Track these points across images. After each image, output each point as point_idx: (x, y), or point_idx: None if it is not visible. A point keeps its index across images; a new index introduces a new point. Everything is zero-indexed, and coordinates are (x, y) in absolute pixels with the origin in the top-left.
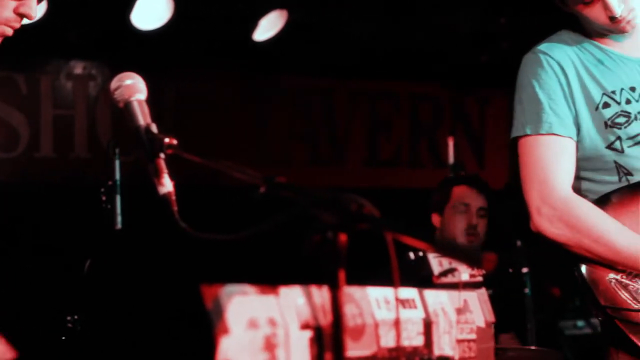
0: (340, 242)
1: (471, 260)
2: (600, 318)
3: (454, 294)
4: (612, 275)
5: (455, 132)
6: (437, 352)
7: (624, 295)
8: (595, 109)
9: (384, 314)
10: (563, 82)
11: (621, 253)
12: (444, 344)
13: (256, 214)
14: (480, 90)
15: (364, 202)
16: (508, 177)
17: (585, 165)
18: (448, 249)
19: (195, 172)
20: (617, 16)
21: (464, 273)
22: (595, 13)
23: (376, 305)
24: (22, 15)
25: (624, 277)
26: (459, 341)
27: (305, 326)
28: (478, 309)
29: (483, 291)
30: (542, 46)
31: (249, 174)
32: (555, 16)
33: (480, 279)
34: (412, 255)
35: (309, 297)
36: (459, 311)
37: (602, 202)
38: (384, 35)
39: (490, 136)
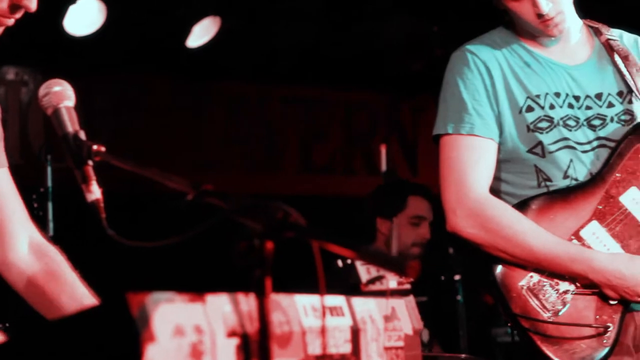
0: (266, 249)
1: (395, 268)
2: (510, 325)
3: (382, 301)
4: (524, 282)
5: (389, 139)
6: (364, 359)
7: (534, 303)
8: (518, 112)
9: (312, 322)
10: (488, 82)
11: (536, 254)
12: (371, 351)
13: (185, 221)
14: (414, 98)
15: (290, 210)
16: None
17: (506, 167)
18: (372, 257)
19: (125, 179)
20: (544, 13)
21: (392, 281)
22: (524, 9)
23: (303, 312)
24: (19, 7)
25: (545, 277)
26: (387, 349)
27: (232, 334)
28: (406, 316)
29: (411, 298)
30: (471, 45)
31: (176, 180)
32: (488, 22)
33: (408, 286)
34: (340, 263)
35: (235, 304)
36: (387, 319)
37: (521, 207)
38: (319, 42)
39: (424, 144)
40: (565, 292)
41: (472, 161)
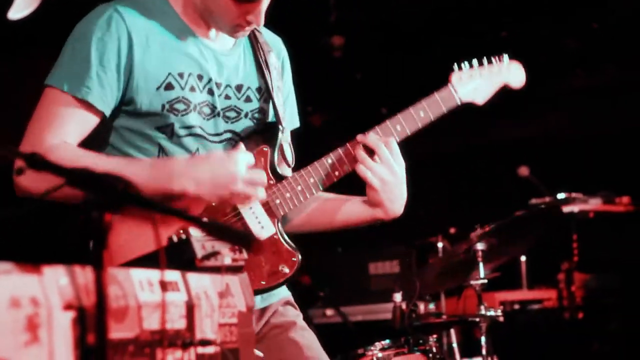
0: (105, 222)
1: (240, 242)
2: None
3: (217, 277)
4: None
5: None
6: (199, 335)
7: None
8: (156, 88)
9: (148, 296)
10: (124, 51)
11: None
12: (206, 327)
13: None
14: None
15: (130, 183)
16: None
17: (129, 138)
18: (217, 230)
19: None
20: (254, 26)
21: (227, 257)
22: (233, 11)
23: (140, 287)
24: None
25: None
26: (221, 325)
27: (68, 307)
28: (240, 293)
29: (245, 276)
30: (121, 5)
31: (12, 151)
32: None
33: (242, 263)
34: (174, 237)
35: (72, 277)
36: (221, 295)
37: None
38: None
39: None
40: None
41: (68, 122)
